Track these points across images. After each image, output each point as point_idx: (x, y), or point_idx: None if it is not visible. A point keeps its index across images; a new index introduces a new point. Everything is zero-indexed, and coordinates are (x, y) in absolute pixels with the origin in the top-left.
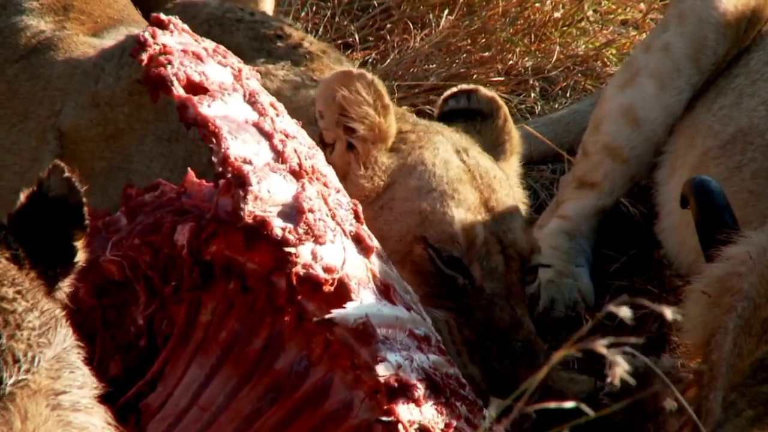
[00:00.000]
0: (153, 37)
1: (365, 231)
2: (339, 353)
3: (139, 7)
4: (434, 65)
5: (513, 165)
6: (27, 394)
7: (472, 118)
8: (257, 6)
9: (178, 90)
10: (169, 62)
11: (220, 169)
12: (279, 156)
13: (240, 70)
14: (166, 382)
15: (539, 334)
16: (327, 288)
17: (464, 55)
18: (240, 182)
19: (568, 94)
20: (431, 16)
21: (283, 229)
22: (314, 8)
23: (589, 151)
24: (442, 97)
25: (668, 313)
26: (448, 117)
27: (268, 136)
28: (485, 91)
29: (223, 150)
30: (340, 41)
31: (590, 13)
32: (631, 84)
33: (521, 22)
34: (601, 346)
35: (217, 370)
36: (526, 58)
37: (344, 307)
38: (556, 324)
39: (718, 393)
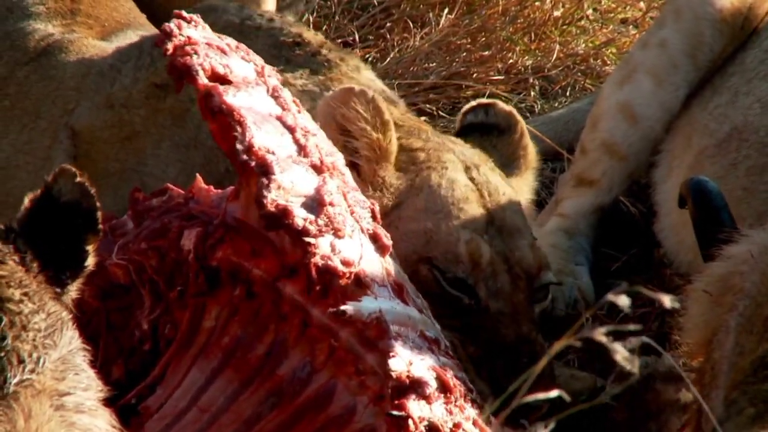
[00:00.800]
0: (179, 28)
1: (381, 230)
2: (344, 360)
3: (143, 12)
4: (434, 64)
5: (528, 180)
6: (31, 394)
7: (489, 132)
8: (259, 6)
9: (203, 79)
10: (195, 52)
11: (245, 157)
12: (301, 149)
13: (263, 67)
14: (166, 384)
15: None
16: (344, 281)
17: (464, 54)
18: (264, 171)
19: (567, 93)
20: (431, 14)
21: (305, 220)
22: (315, 7)
23: (587, 148)
24: (462, 111)
25: (666, 300)
26: (466, 130)
27: (291, 130)
28: (503, 105)
29: (248, 139)
30: (340, 40)
31: (590, 11)
32: (628, 81)
33: (521, 21)
34: (600, 334)
35: (217, 374)
36: (526, 57)
37: (360, 300)
38: (556, 323)
39: (719, 392)
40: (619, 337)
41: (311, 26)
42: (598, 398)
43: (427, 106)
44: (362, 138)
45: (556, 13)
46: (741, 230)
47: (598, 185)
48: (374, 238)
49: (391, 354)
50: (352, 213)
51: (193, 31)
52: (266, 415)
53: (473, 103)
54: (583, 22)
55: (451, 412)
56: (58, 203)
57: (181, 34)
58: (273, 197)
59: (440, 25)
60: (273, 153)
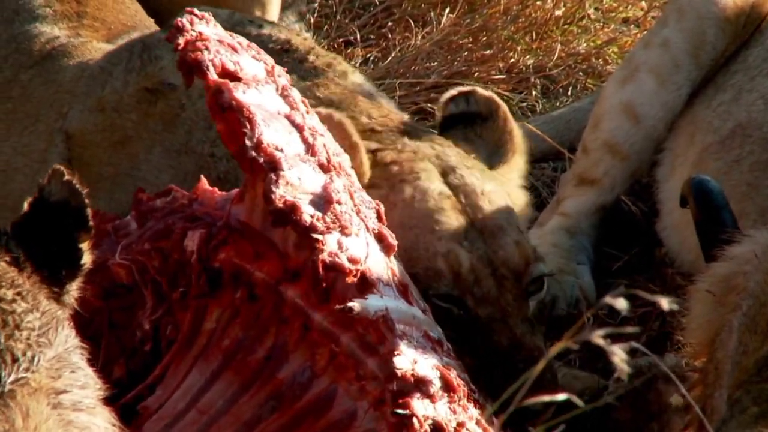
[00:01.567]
0: (191, 24)
1: (387, 230)
2: (344, 365)
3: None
4: (435, 63)
5: (516, 165)
6: (28, 392)
7: (473, 121)
8: (263, 9)
9: (213, 75)
10: (206, 48)
11: (253, 153)
12: (309, 148)
13: (273, 67)
14: (166, 385)
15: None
16: (351, 279)
17: (465, 53)
18: (272, 167)
19: (569, 93)
20: (432, 14)
21: (312, 216)
22: (316, 6)
23: (589, 148)
24: (442, 100)
25: (664, 303)
26: (450, 121)
27: (299, 129)
28: (482, 91)
29: (257, 135)
30: (341, 39)
31: (591, 11)
32: (630, 80)
33: (522, 20)
34: (598, 337)
35: (217, 376)
36: (528, 56)
37: (366, 298)
38: (557, 322)
39: (723, 391)
40: (618, 338)
41: (312, 26)
42: (601, 399)
43: (429, 105)
44: None
45: (558, 13)
46: (743, 230)
47: (600, 185)
48: (380, 238)
49: (395, 352)
50: (358, 212)
51: (205, 27)
52: (266, 419)
53: (453, 91)
54: (584, 22)
55: (454, 412)
56: (49, 204)
57: (192, 30)
58: (281, 193)
59: (441, 25)
60: (281, 150)
